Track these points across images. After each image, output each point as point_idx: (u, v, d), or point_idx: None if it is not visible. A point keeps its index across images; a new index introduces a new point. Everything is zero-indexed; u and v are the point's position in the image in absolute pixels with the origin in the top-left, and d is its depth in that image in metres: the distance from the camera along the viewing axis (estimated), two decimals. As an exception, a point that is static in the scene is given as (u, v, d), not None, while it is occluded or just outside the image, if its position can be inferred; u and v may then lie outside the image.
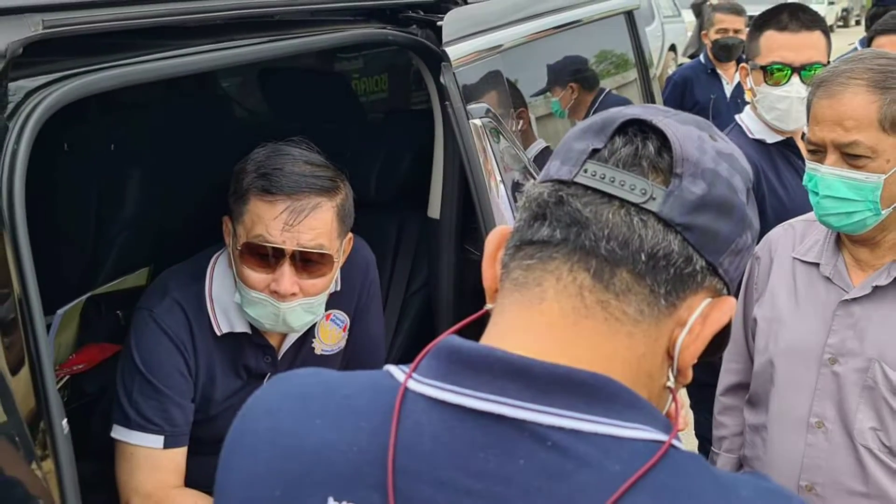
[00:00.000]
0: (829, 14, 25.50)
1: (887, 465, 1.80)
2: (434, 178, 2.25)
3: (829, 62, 2.54)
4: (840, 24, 28.99)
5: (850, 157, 1.73)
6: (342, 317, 2.05)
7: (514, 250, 0.83)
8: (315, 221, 1.75)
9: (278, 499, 0.80)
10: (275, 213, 1.73)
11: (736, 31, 5.16)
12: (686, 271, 0.79)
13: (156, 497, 1.79)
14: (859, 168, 1.73)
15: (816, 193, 1.78)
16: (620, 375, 0.78)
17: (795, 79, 2.57)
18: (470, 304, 2.18)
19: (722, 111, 4.85)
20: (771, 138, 2.66)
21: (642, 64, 3.50)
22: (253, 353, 1.92)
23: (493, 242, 0.88)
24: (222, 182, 1.85)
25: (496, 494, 0.74)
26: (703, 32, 5.50)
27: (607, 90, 3.24)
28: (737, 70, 4.63)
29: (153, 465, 1.79)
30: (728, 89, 5.14)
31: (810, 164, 1.80)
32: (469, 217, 2.19)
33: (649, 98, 3.51)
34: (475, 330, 0.85)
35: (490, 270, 0.87)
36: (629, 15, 3.42)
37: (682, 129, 0.82)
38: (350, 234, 1.90)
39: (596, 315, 0.79)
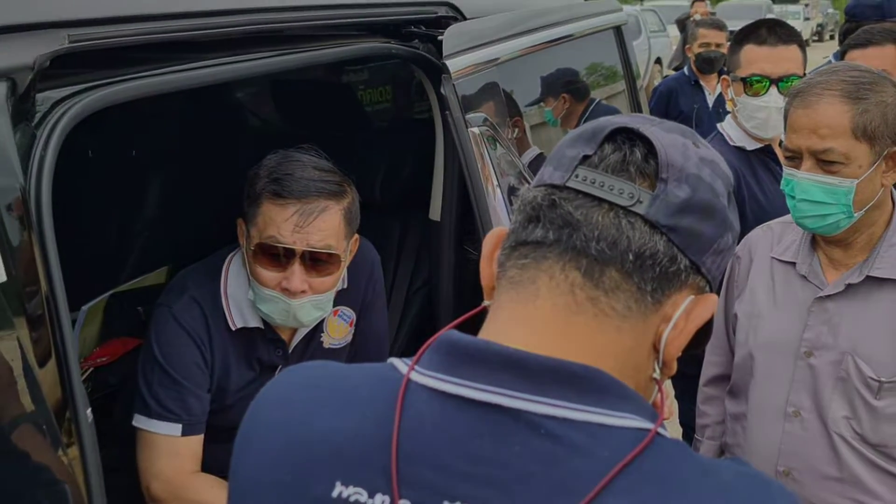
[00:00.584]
0: (805, 29, 25.53)
1: (859, 451, 1.80)
2: (435, 182, 2.25)
3: (804, 74, 2.54)
4: (815, 38, 29.01)
5: (825, 163, 1.73)
6: (349, 312, 2.05)
7: (510, 250, 0.83)
8: (323, 223, 1.75)
9: (289, 483, 0.80)
10: (286, 215, 1.73)
11: (717, 45, 5.16)
12: (671, 270, 0.79)
13: (174, 481, 1.79)
14: (833, 173, 1.73)
15: (793, 197, 1.78)
16: (609, 367, 0.78)
17: (773, 90, 2.57)
18: (469, 301, 2.18)
19: (704, 120, 4.85)
20: (750, 145, 2.66)
21: (630, 76, 3.50)
22: (265, 347, 1.92)
23: (491, 243, 0.88)
24: (236, 186, 1.85)
25: (492, 478, 0.74)
26: (687, 46, 5.50)
27: (597, 100, 3.24)
28: (718, 81, 4.63)
29: (172, 451, 1.79)
30: (710, 99, 5.14)
31: (787, 170, 1.80)
32: (468, 219, 2.19)
33: (636, 108, 3.51)
34: (473, 325, 0.85)
35: (487, 269, 0.87)
36: (617, 30, 3.43)
37: (667, 136, 0.82)
38: (356, 235, 1.90)
39: (586, 311, 0.79)
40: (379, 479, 0.76)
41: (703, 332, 0.83)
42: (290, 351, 1.95)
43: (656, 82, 9.82)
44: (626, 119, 0.84)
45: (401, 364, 0.82)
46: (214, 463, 1.80)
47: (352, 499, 0.77)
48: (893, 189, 1.82)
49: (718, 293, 0.82)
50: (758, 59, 2.60)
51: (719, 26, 5.35)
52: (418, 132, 2.43)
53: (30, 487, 1.13)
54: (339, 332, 2.04)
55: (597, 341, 0.79)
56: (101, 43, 1.27)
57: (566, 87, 3.04)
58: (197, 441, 1.82)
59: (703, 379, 2.16)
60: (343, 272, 1.88)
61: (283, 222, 1.73)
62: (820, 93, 1.73)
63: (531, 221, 0.82)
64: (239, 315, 1.86)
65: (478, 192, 2.04)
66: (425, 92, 2.15)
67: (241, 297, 1.86)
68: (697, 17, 7.30)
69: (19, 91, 1.13)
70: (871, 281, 1.78)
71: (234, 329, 1.86)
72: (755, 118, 2.61)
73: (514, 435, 0.75)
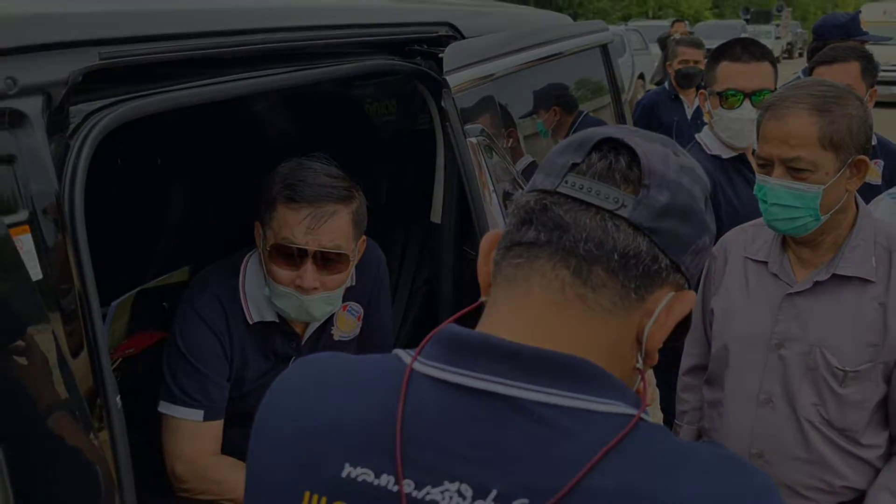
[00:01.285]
0: (776, 47, 25.54)
1: (826, 435, 1.80)
2: (436, 188, 2.25)
3: (776, 88, 2.54)
4: (785, 55, 29.02)
5: (794, 170, 1.73)
6: (357, 307, 2.05)
7: (505, 251, 0.83)
8: (334, 226, 1.75)
9: (302, 464, 0.80)
10: (299, 218, 1.73)
11: (696, 62, 5.15)
12: (653, 269, 0.79)
13: (196, 463, 1.79)
14: (802, 179, 1.73)
15: (765, 201, 1.78)
16: (596, 358, 0.78)
17: (747, 103, 2.57)
18: (467, 297, 2.18)
19: (683, 131, 4.84)
20: (726, 154, 2.66)
21: (615, 90, 3.49)
22: (280, 339, 1.92)
23: (487, 244, 0.88)
24: (253, 191, 1.85)
25: (489, 460, 0.74)
26: (668, 63, 5.48)
27: (585, 113, 3.24)
28: (696, 95, 4.63)
29: (194, 435, 1.79)
30: (689, 112, 5.13)
31: (760, 177, 1.80)
32: (466, 222, 2.19)
33: (621, 120, 3.51)
34: (472, 319, 0.85)
35: (484, 268, 0.87)
36: (604, 48, 3.42)
37: (649, 146, 0.82)
38: (363, 237, 1.90)
39: (575, 306, 0.79)
40: (385, 460, 0.76)
41: (683, 326, 0.83)
42: (302, 343, 1.95)
43: (639, 96, 9.82)
44: (611, 130, 0.84)
45: (405, 355, 0.82)
46: (233, 446, 1.80)
47: (360, 479, 0.77)
48: (857, 194, 1.82)
49: (696, 290, 0.82)
50: (733, 74, 2.60)
51: (697, 44, 5.34)
52: (420, 142, 2.43)
53: (65, 467, 1.13)
54: (347, 325, 2.04)
55: (585, 334, 0.79)
56: (129, 60, 1.27)
57: (556, 100, 3.03)
58: (217, 426, 1.82)
59: (682, 369, 2.16)
60: (351, 270, 1.88)
61: (296, 225, 1.73)
62: (790, 106, 1.73)
63: (524, 224, 0.82)
64: (256, 310, 1.86)
65: (475, 196, 2.05)
66: (427, 105, 2.15)
67: (258, 294, 1.86)
68: (677, 36, 7.28)
69: (54, 104, 1.13)
70: (837, 279, 1.78)
71: (251, 323, 1.86)
72: (730, 129, 2.61)
73: (509, 420, 0.75)
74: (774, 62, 2.69)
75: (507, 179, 2.27)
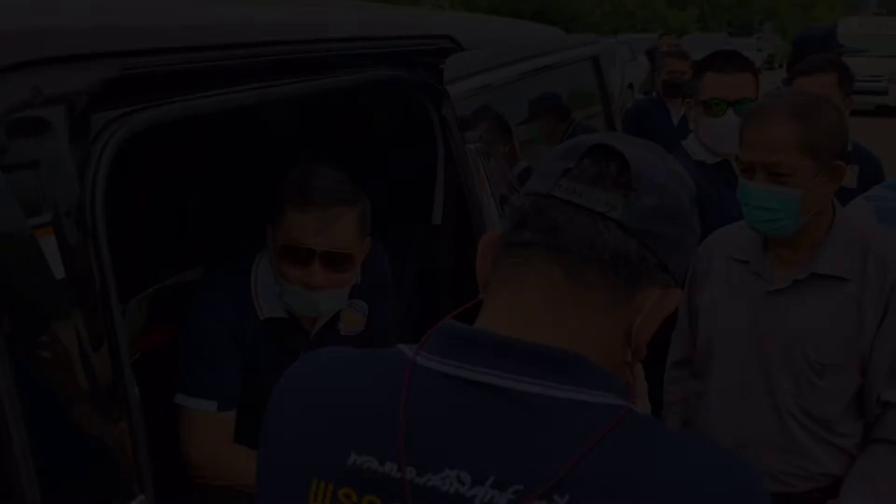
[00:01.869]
0: (758, 58, 25.51)
1: (805, 425, 1.81)
2: (437, 191, 2.25)
3: (757, 97, 2.54)
4: (766, 66, 29.00)
5: (775, 174, 1.73)
6: (362, 304, 2.05)
7: (502, 251, 0.83)
8: (340, 227, 1.75)
9: (310, 452, 0.80)
10: (307, 220, 1.73)
11: (682, 73, 5.13)
12: (641, 268, 0.79)
13: (211, 451, 1.79)
14: (782, 184, 1.73)
15: (747, 204, 1.78)
16: (588, 352, 0.78)
17: (730, 111, 2.57)
18: (466, 294, 2.18)
19: (670, 138, 4.82)
20: (710, 160, 2.66)
21: (606, 99, 3.50)
22: (289, 334, 1.92)
23: (485, 244, 0.88)
24: (264, 195, 1.85)
25: (486, 448, 0.74)
26: (656, 73, 5.48)
27: (578, 121, 3.24)
28: (682, 104, 4.62)
29: (209, 424, 1.79)
30: (675, 120, 5.12)
31: (742, 181, 1.80)
32: (465, 223, 2.19)
33: (611, 127, 3.51)
34: (471, 316, 0.85)
35: (482, 267, 0.87)
36: (595, 59, 3.43)
37: (638, 152, 0.82)
38: (368, 237, 1.90)
39: (568, 303, 0.79)
40: (388, 449, 0.77)
41: (669, 322, 0.83)
42: (310, 338, 1.95)
43: (629, 105, 9.81)
44: (602, 137, 0.84)
45: (407, 349, 0.82)
46: (245, 435, 1.80)
47: (365, 466, 0.77)
48: (834, 197, 1.82)
49: (682, 288, 0.82)
50: (716, 84, 2.61)
51: (683, 56, 5.33)
52: (421, 148, 2.43)
53: (87, 455, 1.13)
54: (353, 321, 2.04)
55: (577, 329, 0.79)
56: (148, 70, 1.28)
57: (551, 108, 3.04)
58: (231, 416, 1.82)
59: (669, 362, 2.16)
60: (357, 269, 1.88)
61: (305, 226, 1.73)
62: (771, 114, 1.73)
63: (520, 225, 0.82)
64: (266, 306, 1.86)
65: (473, 200, 2.05)
66: (428, 113, 2.15)
67: (268, 291, 1.86)
68: (665, 48, 7.28)
69: (77, 112, 1.13)
70: (815, 277, 1.78)
71: (262, 319, 1.86)
72: (714, 136, 2.61)
73: (505, 410, 0.75)
74: (756, 72, 2.69)
75: (503, 183, 2.27)
